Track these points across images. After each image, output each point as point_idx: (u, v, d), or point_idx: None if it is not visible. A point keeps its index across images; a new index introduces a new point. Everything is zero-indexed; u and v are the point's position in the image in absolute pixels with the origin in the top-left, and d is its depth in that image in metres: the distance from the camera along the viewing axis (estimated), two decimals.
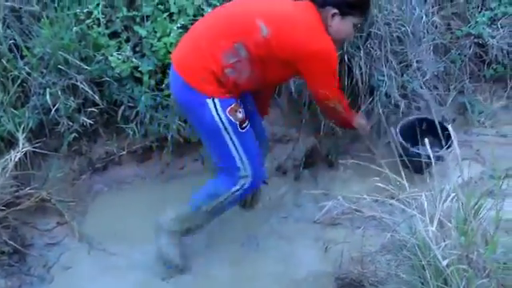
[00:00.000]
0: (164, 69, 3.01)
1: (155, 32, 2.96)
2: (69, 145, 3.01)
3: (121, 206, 3.02)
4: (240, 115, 2.30)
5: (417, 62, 3.11)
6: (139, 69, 2.96)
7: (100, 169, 3.14)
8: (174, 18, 2.96)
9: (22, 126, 2.77)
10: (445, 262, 1.69)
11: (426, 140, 2.10)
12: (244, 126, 2.33)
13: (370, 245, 2.27)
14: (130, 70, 2.96)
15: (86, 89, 2.89)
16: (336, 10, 2.27)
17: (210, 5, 2.96)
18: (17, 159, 2.69)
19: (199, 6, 2.94)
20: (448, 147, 2.94)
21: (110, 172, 3.16)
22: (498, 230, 1.82)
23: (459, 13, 3.33)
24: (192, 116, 2.40)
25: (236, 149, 2.36)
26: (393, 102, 3.05)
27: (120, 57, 2.92)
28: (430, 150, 2.08)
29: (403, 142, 2.92)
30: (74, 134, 2.97)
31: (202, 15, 2.94)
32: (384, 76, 3.01)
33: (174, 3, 2.94)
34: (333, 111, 2.46)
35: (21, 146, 2.65)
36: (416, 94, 3.07)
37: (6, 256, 2.58)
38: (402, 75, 3.09)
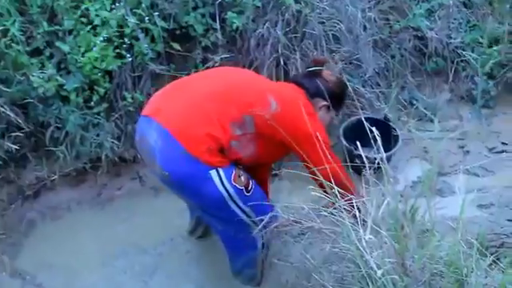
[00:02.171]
0: (91, 85, 2.97)
1: (79, 47, 2.90)
2: None
3: (57, 234, 2.95)
4: (243, 178, 2.20)
5: (356, 59, 3.14)
6: (65, 87, 2.90)
7: (31, 196, 3.06)
8: (98, 30, 2.91)
9: None
10: (379, 272, 1.69)
11: (358, 142, 2.10)
12: (250, 188, 2.23)
13: (313, 258, 2.26)
14: (55, 89, 2.90)
15: (8, 112, 2.82)
16: (326, 103, 2.38)
17: (134, 14, 2.92)
18: None
19: (123, 15, 2.89)
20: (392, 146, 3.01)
21: (43, 198, 3.08)
22: (430, 232, 1.83)
23: (396, 6, 3.37)
24: (189, 190, 2.19)
25: (244, 212, 2.26)
26: None
27: (43, 75, 2.85)
28: (362, 152, 2.06)
29: (347, 144, 2.94)
30: None
31: (128, 26, 2.92)
32: None
33: (97, 15, 2.89)
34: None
35: None
36: (357, 93, 3.09)
37: None
38: (341, 74, 3.11)
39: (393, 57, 3.32)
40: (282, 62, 2.99)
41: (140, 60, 3.03)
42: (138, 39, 2.97)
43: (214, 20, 3.11)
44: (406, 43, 3.35)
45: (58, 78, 2.88)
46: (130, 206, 3.06)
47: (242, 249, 2.43)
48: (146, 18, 2.95)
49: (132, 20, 2.88)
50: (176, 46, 3.12)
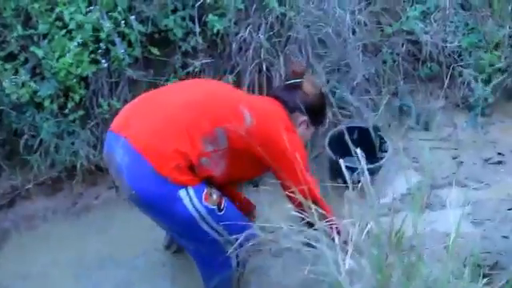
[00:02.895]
0: (67, 91, 2.91)
1: (54, 52, 2.82)
2: None
3: (32, 244, 2.88)
4: (215, 196, 2.09)
5: (344, 65, 3.02)
6: (39, 93, 2.83)
7: (5, 205, 2.99)
8: (73, 34, 2.83)
9: None
10: None
11: (341, 163, 1.96)
12: (222, 206, 2.12)
13: (292, 278, 2.17)
14: (30, 96, 2.84)
15: None
16: (306, 118, 2.30)
17: (110, 17, 2.83)
18: None
19: (98, 19, 2.80)
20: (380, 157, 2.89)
21: (18, 208, 3.01)
22: (418, 258, 1.71)
23: (389, 8, 3.25)
24: (157, 210, 2.09)
25: (217, 232, 2.13)
26: None
27: (16, 81, 2.79)
28: (343, 166, 1.93)
29: (332, 155, 2.83)
30: None
31: (103, 30, 2.83)
32: None
33: (72, 19, 2.80)
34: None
35: None
36: (345, 101, 2.98)
37: None
38: (328, 81, 3.00)
39: (384, 62, 3.20)
40: (264, 68, 2.89)
41: (116, 65, 2.95)
42: (114, 44, 2.88)
43: (195, 23, 3.02)
44: (399, 47, 3.22)
45: (32, 84, 2.82)
46: (106, 217, 2.98)
47: (216, 268, 2.32)
48: (122, 21, 2.87)
49: (107, 24, 2.80)
50: (154, 50, 3.04)
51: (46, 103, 2.86)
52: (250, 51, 2.90)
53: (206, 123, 2.02)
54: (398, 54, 3.22)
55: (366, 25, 3.12)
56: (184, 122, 2.00)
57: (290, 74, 2.36)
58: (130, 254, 2.78)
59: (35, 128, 2.90)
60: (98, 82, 2.98)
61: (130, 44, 2.94)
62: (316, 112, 2.34)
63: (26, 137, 2.90)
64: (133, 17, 2.88)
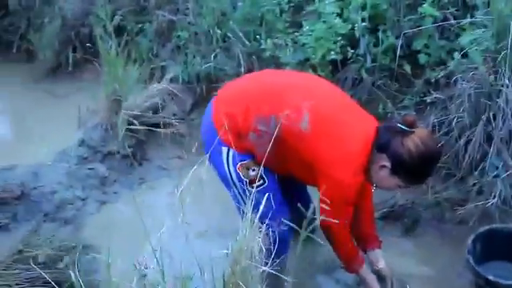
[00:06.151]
0: (312, 66, 3.27)
1: (312, 31, 3.24)
2: None
3: None
4: (253, 173, 2.20)
5: None
6: (282, 60, 3.35)
7: None
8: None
9: None
10: None
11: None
12: (254, 185, 2.11)
13: None
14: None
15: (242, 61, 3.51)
16: (389, 165, 2.12)
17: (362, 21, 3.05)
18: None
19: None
20: None
21: None
22: None
23: None
24: (211, 158, 2.26)
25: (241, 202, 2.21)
26: (500, 195, 2.53)
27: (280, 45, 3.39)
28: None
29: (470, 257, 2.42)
30: None
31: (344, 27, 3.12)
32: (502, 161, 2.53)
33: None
34: (332, 240, 2.30)
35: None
36: None
37: (119, 156, 3.52)
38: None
39: None
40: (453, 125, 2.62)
41: (358, 66, 3.17)
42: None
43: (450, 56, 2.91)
44: None
45: (288, 50, 3.33)
46: None
47: None
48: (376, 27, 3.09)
49: (344, 23, 3.10)
50: (407, 68, 3.12)
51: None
52: (456, 103, 2.68)
53: (266, 107, 2.15)
54: None
55: None
56: (249, 97, 2.22)
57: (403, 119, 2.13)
58: None
59: None
60: (346, 73, 3.25)
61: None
62: (403, 168, 2.09)
63: None
64: (382, 27, 3.03)
